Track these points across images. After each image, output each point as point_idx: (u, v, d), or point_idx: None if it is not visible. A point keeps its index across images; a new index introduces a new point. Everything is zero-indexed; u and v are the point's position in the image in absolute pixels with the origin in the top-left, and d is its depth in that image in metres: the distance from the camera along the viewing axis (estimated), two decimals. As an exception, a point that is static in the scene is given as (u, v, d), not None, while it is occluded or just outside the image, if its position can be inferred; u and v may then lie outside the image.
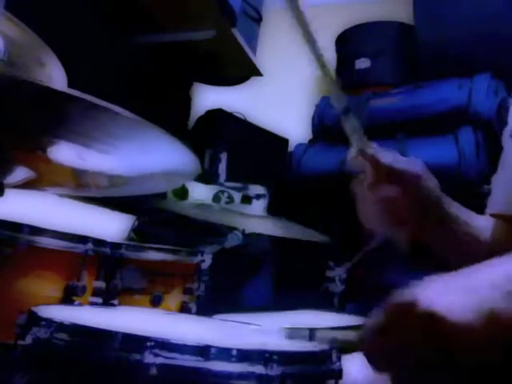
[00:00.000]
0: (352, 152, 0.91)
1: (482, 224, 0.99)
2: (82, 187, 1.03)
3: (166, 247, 1.17)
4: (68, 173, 0.92)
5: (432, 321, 0.54)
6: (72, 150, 0.81)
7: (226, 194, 1.81)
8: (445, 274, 0.60)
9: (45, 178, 0.95)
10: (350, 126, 0.91)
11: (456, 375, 0.56)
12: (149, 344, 0.61)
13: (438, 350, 0.54)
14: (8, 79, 0.67)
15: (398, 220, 0.90)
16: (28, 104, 0.69)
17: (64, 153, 0.83)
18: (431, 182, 0.92)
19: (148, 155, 0.83)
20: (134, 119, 0.69)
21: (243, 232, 1.75)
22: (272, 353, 0.63)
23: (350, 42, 2.81)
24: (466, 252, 0.95)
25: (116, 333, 0.63)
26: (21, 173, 0.88)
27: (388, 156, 0.91)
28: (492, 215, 1.01)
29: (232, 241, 1.74)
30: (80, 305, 0.99)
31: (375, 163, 0.89)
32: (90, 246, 1.03)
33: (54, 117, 0.72)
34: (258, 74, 2.36)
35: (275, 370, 0.62)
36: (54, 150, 0.82)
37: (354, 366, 0.84)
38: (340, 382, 0.70)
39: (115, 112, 0.67)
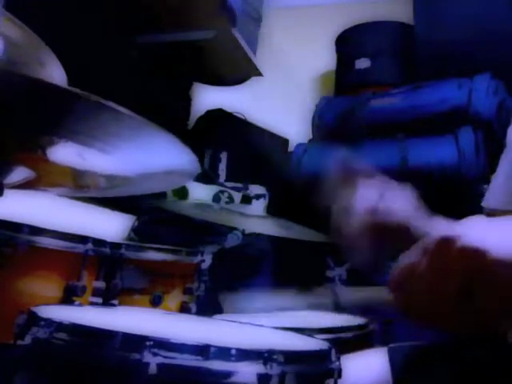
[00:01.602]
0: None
1: None
2: (82, 188, 1.03)
3: (166, 247, 1.17)
4: (68, 173, 0.92)
5: (476, 255, 0.53)
6: (72, 149, 0.81)
7: (226, 194, 1.81)
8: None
9: (44, 178, 0.95)
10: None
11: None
12: (148, 343, 0.61)
13: (479, 281, 0.54)
14: (7, 77, 0.66)
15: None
16: (28, 102, 0.69)
17: (64, 152, 0.83)
18: (421, 222, 0.82)
19: (148, 155, 0.83)
20: (135, 118, 0.69)
21: (243, 232, 1.75)
22: (271, 352, 0.63)
23: (350, 42, 2.81)
24: None
25: (116, 332, 0.63)
26: (20, 173, 0.88)
27: (369, 195, 0.84)
28: (489, 213, 1.00)
29: (232, 241, 1.74)
30: (80, 305, 0.99)
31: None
32: (90, 246, 1.03)
33: (54, 116, 0.72)
34: (258, 74, 2.36)
35: (275, 369, 0.63)
36: (54, 150, 0.82)
37: (355, 366, 0.84)
38: (339, 381, 0.70)
39: (116, 111, 0.67)
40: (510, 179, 1.00)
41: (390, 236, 0.82)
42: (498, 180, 1.04)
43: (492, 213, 0.99)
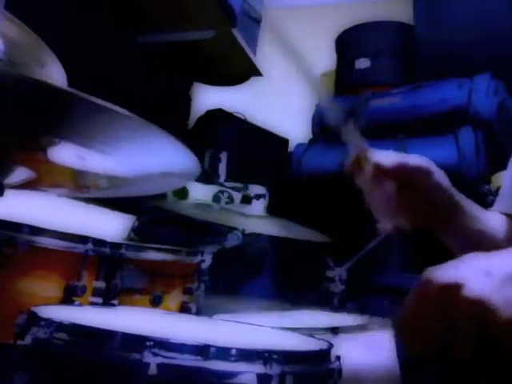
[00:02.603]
0: (350, 158, 0.91)
1: (495, 221, 0.98)
2: (82, 188, 1.03)
3: (166, 247, 1.17)
4: (68, 174, 0.92)
5: (483, 311, 0.52)
6: (72, 150, 0.81)
7: (226, 194, 1.81)
8: (476, 253, 0.58)
9: (44, 179, 0.95)
10: (350, 133, 0.90)
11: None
12: (148, 343, 0.61)
13: (486, 344, 0.52)
14: (8, 78, 0.66)
15: (404, 213, 0.90)
16: (28, 103, 0.69)
17: (64, 153, 0.83)
18: (442, 179, 0.91)
19: (148, 156, 0.83)
20: (135, 119, 0.69)
21: (243, 232, 1.75)
22: (271, 352, 0.64)
23: (350, 42, 2.81)
24: (478, 249, 0.95)
25: (116, 332, 0.63)
26: (21, 173, 0.88)
27: (392, 156, 0.90)
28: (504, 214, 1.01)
29: (232, 241, 1.74)
30: (80, 305, 0.99)
31: (378, 169, 0.88)
32: (90, 246, 1.03)
33: (54, 117, 0.72)
34: (258, 74, 2.36)
35: (275, 369, 0.63)
36: (55, 151, 0.82)
37: (355, 349, 0.83)
38: (339, 381, 0.70)
39: (116, 112, 0.67)
40: None
41: (414, 182, 0.87)
42: (507, 184, 1.04)
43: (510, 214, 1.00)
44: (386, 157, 0.90)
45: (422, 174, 0.89)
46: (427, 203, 0.90)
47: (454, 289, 0.53)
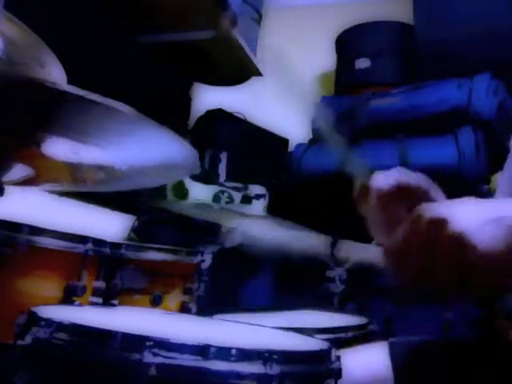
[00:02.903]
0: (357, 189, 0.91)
1: None
2: (79, 182, 1.02)
3: (166, 247, 1.17)
4: (64, 168, 0.92)
5: (462, 245, 0.57)
6: (66, 144, 0.81)
7: (226, 194, 1.81)
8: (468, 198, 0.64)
9: (41, 174, 0.95)
10: (351, 162, 0.91)
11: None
12: (148, 343, 0.61)
13: (460, 273, 0.58)
14: (3, 76, 0.66)
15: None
16: (21, 99, 0.69)
17: (58, 148, 0.82)
18: (435, 193, 0.91)
19: (145, 149, 0.83)
20: (130, 113, 0.69)
21: (243, 232, 1.75)
22: (271, 352, 0.63)
23: (349, 42, 2.81)
24: None
25: (116, 333, 0.63)
26: (19, 171, 0.88)
27: (390, 177, 0.89)
28: None
29: (232, 241, 1.74)
30: (80, 305, 0.99)
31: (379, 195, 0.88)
32: (90, 246, 1.03)
33: (47, 112, 0.72)
34: (258, 74, 2.36)
35: (274, 370, 0.62)
36: (49, 145, 0.82)
37: (355, 362, 0.84)
38: (339, 381, 0.70)
39: (110, 107, 0.67)
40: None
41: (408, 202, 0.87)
42: (503, 185, 1.05)
43: None
44: (386, 178, 0.89)
45: (421, 193, 0.89)
46: None
47: (441, 224, 0.59)
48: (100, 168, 0.89)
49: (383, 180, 0.87)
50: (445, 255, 0.59)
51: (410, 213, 0.85)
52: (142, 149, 0.83)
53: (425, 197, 0.89)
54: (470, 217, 0.59)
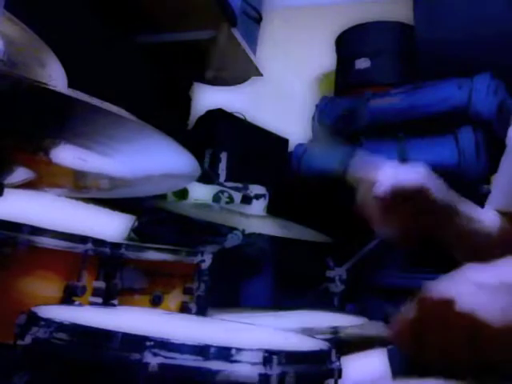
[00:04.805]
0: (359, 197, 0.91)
1: (490, 219, 0.99)
2: (83, 189, 1.03)
3: (166, 247, 1.17)
4: (69, 174, 0.92)
5: (473, 325, 0.55)
6: (73, 151, 0.81)
7: (226, 194, 1.81)
8: (471, 265, 0.62)
9: (45, 179, 0.95)
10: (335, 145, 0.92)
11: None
12: (148, 344, 0.61)
13: (479, 353, 0.56)
14: (9, 79, 0.66)
15: (401, 225, 0.90)
16: (30, 105, 0.69)
17: (65, 154, 0.83)
18: (436, 188, 0.91)
19: (148, 157, 0.83)
20: (135, 122, 0.69)
21: (243, 232, 1.75)
22: (271, 352, 0.63)
23: (349, 42, 2.81)
24: (477, 249, 0.96)
25: (116, 333, 0.63)
26: (21, 174, 0.88)
27: (389, 175, 0.89)
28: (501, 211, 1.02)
29: (232, 241, 1.74)
30: (80, 305, 0.99)
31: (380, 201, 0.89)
32: (89, 246, 1.03)
33: (56, 119, 0.72)
34: (258, 73, 2.36)
35: (274, 370, 0.63)
36: (56, 152, 0.82)
37: (355, 367, 0.84)
38: (339, 381, 0.70)
39: (117, 115, 0.67)
40: (511, 180, 1.01)
41: (409, 202, 0.88)
42: (500, 181, 1.05)
43: (504, 211, 1.01)
44: (384, 175, 0.89)
45: (420, 193, 0.89)
46: (424, 214, 0.91)
47: (448, 305, 0.57)
48: (104, 176, 0.90)
49: (378, 188, 0.87)
50: (457, 336, 0.57)
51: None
52: (144, 157, 0.83)
53: (425, 197, 0.89)
54: (476, 291, 0.58)
